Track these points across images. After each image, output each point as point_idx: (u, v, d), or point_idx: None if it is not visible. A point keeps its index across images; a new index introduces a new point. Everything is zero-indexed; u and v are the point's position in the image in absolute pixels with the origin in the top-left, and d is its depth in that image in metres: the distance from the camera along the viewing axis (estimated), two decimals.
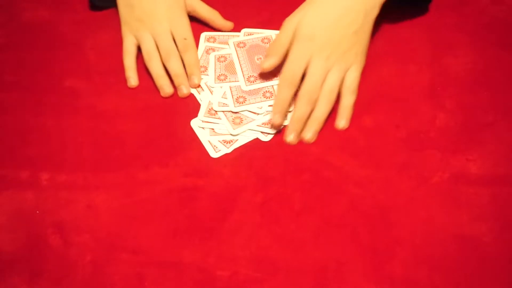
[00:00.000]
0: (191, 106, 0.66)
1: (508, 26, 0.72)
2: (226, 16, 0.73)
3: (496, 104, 0.65)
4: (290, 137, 0.61)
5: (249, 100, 0.64)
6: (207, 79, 0.67)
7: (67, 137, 0.63)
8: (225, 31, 0.72)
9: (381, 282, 0.52)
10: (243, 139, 0.62)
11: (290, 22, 0.62)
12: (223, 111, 0.64)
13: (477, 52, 0.69)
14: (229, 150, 0.61)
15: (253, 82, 0.65)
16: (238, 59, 0.67)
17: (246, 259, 0.54)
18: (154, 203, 0.58)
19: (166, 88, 0.66)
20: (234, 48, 0.69)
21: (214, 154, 0.61)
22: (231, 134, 0.62)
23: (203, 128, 0.63)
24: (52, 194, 0.59)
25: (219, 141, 0.62)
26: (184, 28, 0.68)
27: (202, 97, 0.66)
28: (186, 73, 0.67)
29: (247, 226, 0.56)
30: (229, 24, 0.72)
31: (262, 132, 0.63)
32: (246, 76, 0.66)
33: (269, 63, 0.62)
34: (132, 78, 0.67)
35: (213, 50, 0.69)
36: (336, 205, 0.57)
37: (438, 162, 0.60)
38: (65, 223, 0.57)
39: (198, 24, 0.73)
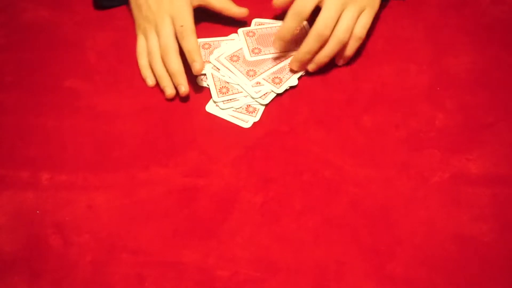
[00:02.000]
0: (191, 106, 0.66)
1: (509, 27, 0.72)
2: (225, 17, 0.73)
3: (496, 104, 0.65)
4: (294, 65, 0.66)
5: (284, 77, 0.66)
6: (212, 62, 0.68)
7: (67, 137, 0.63)
8: (241, 18, 0.71)
9: (381, 282, 0.52)
10: (265, 101, 0.65)
11: None
12: (234, 66, 0.66)
13: (477, 52, 0.69)
14: (257, 118, 0.63)
15: (258, 54, 0.68)
16: (247, 45, 0.69)
17: (246, 259, 0.54)
18: (154, 203, 0.58)
19: (168, 90, 0.65)
20: (244, 36, 0.70)
21: (245, 125, 0.62)
22: (243, 88, 0.65)
23: (221, 108, 0.64)
24: (52, 194, 0.59)
25: (243, 113, 0.64)
26: (183, 16, 0.65)
27: (208, 82, 0.66)
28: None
29: (247, 226, 0.56)
30: (243, 11, 0.71)
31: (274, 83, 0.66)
32: (251, 48, 0.68)
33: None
34: (149, 77, 0.67)
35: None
36: (336, 205, 0.57)
37: (438, 162, 0.60)
38: (65, 223, 0.57)
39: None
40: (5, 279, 0.53)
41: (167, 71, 0.66)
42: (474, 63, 0.68)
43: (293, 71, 0.67)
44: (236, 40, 0.70)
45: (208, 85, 0.66)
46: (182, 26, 0.65)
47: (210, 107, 0.65)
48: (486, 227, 0.55)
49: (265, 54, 0.68)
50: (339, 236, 0.55)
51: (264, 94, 0.65)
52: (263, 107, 0.65)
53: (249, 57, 0.67)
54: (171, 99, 0.66)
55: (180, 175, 0.60)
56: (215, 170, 0.60)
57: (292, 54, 0.67)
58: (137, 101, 0.66)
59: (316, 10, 0.63)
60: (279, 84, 0.65)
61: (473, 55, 0.69)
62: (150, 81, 0.67)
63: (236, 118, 0.64)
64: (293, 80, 0.66)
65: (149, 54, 0.67)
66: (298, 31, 0.66)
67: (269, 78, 0.66)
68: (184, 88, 0.65)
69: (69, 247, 0.55)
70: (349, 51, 0.66)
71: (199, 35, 0.67)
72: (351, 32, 0.64)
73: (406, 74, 0.67)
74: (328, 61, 0.66)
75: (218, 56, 0.68)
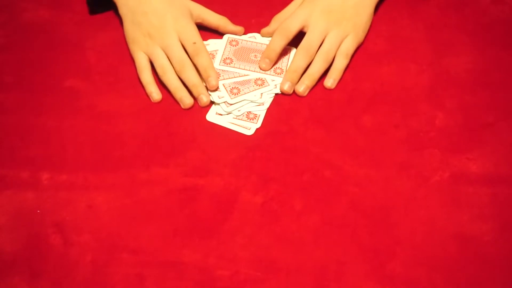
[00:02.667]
0: (191, 106, 0.66)
1: (509, 26, 0.72)
2: (226, 17, 0.73)
3: (496, 104, 0.65)
4: (285, 86, 0.66)
5: (243, 90, 0.65)
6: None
7: (67, 137, 0.63)
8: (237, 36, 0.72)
9: (381, 282, 0.52)
10: (264, 107, 0.65)
11: None
12: (223, 85, 0.66)
13: (477, 52, 0.69)
14: (258, 125, 0.63)
15: (227, 64, 0.68)
16: (223, 53, 0.69)
17: (247, 259, 0.54)
18: (155, 203, 0.58)
19: (186, 100, 0.65)
20: (226, 43, 0.70)
21: (248, 132, 0.63)
22: (228, 103, 0.64)
23: (221, 114, 0.64)
24: (53, 194, 0.59)
25: (244, 120, 0.64)
26: (192, 33, 0.67)
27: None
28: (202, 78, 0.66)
29: (247, 226, 0.56)
30: (239, 29, 0.71)
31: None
32: (224, 57, 0.69)
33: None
34: (155, 92, 0.66)
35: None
36: (336, 205, 0.57)
37: (438, 161, 0.60)
38: (66, 223, 0.57)
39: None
40: (6, 279, 0.53)
41: (186, 84, 0.66)
42: (474, 63, 0.68)
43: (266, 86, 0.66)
44: (219, 43, 0.70)
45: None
46: (195, 43, 0.66)
47: (210, 116, 0.65)
48: (486, 227, 0.55)
49: (233, 67, 0.68)
50: (339, 236, 0.55)
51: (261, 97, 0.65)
52: (264, 112, 0.65)
53: (217, 65, 0.68)
54: (189, 109, 0.65)
55: (180, 175, 0.60)
56: (215, 170, 0.60)
57: (260, 72, 0.67)
58: (137, 101, 0.66)
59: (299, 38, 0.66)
60: (235, 94, 0.65)
61: (473, 55, 0.69)
62: (156, 96, 0.66)
63: (238, 125, 0.63)
64: (252, 96, 0.65)
65: (160, 69, 0.66)
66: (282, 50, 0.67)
67: (229, 86, 0.66)
68: (206, 98, 0.65)
69: (69, 247, 0.55)
70: (337, 69, 0.67)
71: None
72: (335, 51, 0.66)
73: (406, 74, 0.67)
74: (316, 79, 0.66)
75: None
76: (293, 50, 0.69)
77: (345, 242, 0.55)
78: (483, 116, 0.64)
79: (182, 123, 0.64)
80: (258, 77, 0.67)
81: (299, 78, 0.66)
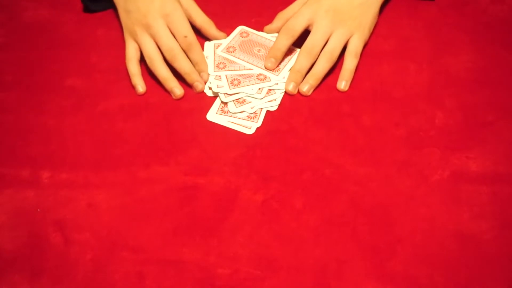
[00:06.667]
0: (192, 104, 0.66)
1: (508, 26, 0.72)
2: (226, 16, 0.73)
3: (496, 103, 0.65)
4: (289, 87, 0.66)
5: (243, 82, 0.66)
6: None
7: (68, 136, 0.63)
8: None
9: (381, 280, 0.52)
10: (264, 106, 0.65)
11: None
12: (225, 75, 0.66)
13: (477, 51, 0.69)
14: (259, 124, 0.64)
15: (230, 52, 0.68)
16: (229, 41, 0.69)
17: (247, 257, 0.54)
18: (155, 201, 0.58)
19: (176, 91, 0.65)
20: (237, 33, 0.70)
21: (248, 131, 0.63)
22: (227, 94, 0.64)
23: (221, 114, 0.65)
24: (53, 192, 0.59)
25: (244, 119, 0.64)
26: (182, 25, 0.66)
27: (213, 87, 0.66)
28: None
29: (247, 224, 0.56)
30: (222, 34, 0.70)
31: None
32: (229, 46, 0.69)
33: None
34: (139, 85, 0.66)
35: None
36: (336, 204, 0.57)
37: (438, 160, 0.60)
38: (66, 221, 0.57)
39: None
40: (6, 277, 0.53)
41: (179, 72, 0.66)
42: (474, 62, 0.68)
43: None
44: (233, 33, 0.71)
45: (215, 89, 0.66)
46: (186, 37, 0.66)
47: (211, 115, 0.65)
48: (486, 225, 0.55)
49: (234, 57, 0.68)
50: (339, 235, 0.55)
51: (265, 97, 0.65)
52: (264, 111, 0.65)
53: (219, 51, 0.68)
54: (179, 99, 0.66)
55: (180, 174, 0.60)
56: (215, 168, 0.60)
57: (263, 68, 0.67)
58: (138, 100, 0.66)
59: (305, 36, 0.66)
60: (235, 86, 0.65)
61: (472, 54, 0.69)
62: (141, 89, 0.66)
63: (238, 125, 0.64)
64: (249, 90, 0.65)
65: (148, 57, 0.66)
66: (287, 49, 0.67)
67: (230, 77, 0.66)
68: (201, 85, 0.66)
69: (69, 245, 0.55)
70: (348, 70, 0.66)
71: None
72: (339, 51, 0.66)
73: (405, 73, 0.68)
74: (320, 79, 0.66)
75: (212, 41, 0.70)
76: (297, 51, 0.69)
77: (345, 240, 0.55)
78: (482, 115, 0.64)
79: (182, 122, 0.64)
80: (260, 73, 0.67)
81: (303, 78, 0.66)
